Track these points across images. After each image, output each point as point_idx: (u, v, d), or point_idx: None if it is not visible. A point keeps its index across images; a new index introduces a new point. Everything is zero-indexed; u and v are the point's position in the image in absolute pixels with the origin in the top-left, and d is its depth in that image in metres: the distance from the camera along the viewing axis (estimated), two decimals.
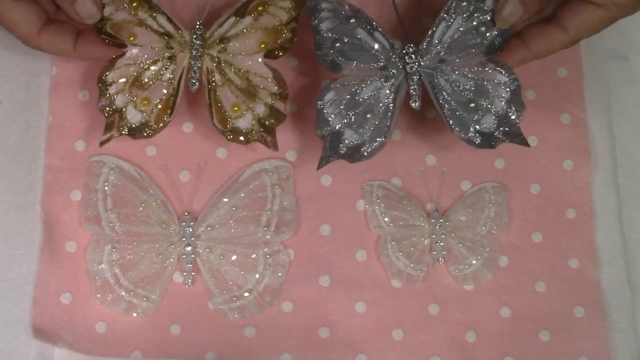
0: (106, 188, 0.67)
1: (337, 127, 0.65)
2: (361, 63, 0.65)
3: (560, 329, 0.68)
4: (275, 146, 0.66)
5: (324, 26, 0.66)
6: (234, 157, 0.69)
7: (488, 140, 0.65)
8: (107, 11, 0.65)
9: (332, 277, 0.68)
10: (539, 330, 0.68)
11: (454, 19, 0.65)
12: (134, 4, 0.65)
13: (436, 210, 0.69)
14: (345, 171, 0.69)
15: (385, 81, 0.65)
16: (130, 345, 0.66)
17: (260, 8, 0.65)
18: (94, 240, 0.67)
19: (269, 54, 0.66)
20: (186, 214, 0.67)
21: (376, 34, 0.65)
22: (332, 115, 0.65)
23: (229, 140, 0.66)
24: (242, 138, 0.65)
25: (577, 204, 0.70)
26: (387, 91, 0.65)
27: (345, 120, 0.65)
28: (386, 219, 0.68)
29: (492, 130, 0.65)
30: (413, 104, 0.65)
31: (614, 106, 0.72)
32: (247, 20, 0.65)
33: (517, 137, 0.65)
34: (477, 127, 0.65)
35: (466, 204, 0.69)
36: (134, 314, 0.66)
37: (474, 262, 0.68)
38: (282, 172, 0.68)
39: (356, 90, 0.65)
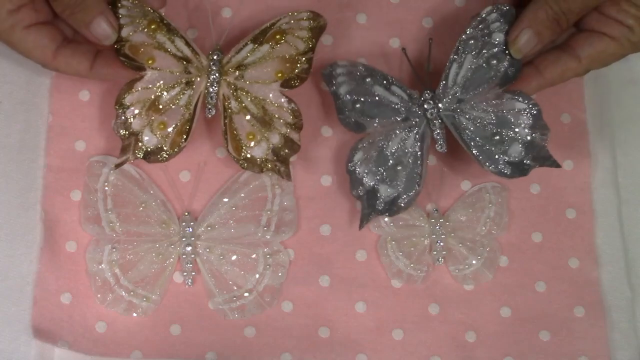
0: (106, 188, 0.67)
1: (371, 185, 0.66)
2: (383, 118, 0.66)
3: (560, 329, 0.68)
4: (288, 176, 0.66)
5: (342, 90, 0.67)
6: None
7: (519, 169, 0.65)
8: (125, 32, 0.64)
9: (332, 277, 0.68)
10: (539, 330, 0.68)
11: (465, 58, 0.66)
12: (153, 27, 0.65)
13: (436, 210, 0.69)
14: (345, 171, 0.69)
15: (409, 131, 0.66)
16: (130, 345, 0.66)
17: (278, 36, 0.65)
18: (94, 240, 0.67)
19: (286, 84, 0.66)
20: (186, 214, 0.67)
21: (393, 87, 0.67)
22: (365, 174, 0.66)
23: (243, 168, 0.66)
24: (256, 168, 0.66)
25: (577, 204, 0.70)
26: (413, 141, 0.66)
27: (378, 177, 0.66)
28: (386, 219, 0.68)
29: (520, 158, 0.65)
30: (439, 148, 0.66)
31: (614, 106, 0.72)
32: (265, 48, 0.65)
33: (547, 160, 0.66)
34: (506, 158, 0.65)
35: (466, 204, 0.69)
36: (134, 314, 0.66)
37: (474, 262, 0.68)
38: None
39: (383, 145, 0.66)
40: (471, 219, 0.69)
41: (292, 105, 0.66)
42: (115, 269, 0.66)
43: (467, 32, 0.66)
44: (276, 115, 0.66)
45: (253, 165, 0.66)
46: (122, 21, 0.64)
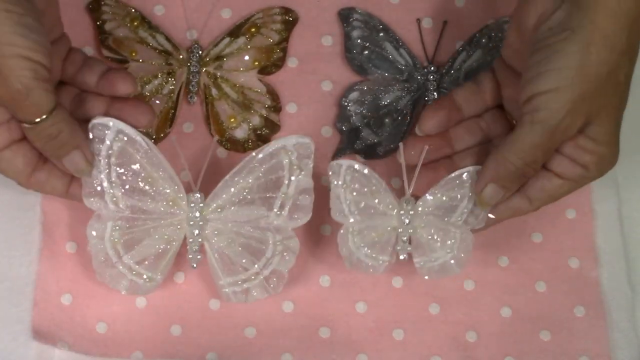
0: (111, 158, 0.62)
1: (357, 125, 0.70)
2: (386, 72, 0.70)
3: (561, 329, 0.68)
4: None
5: (355, 34, 0.71)
6: (233, 156, 0.70)
7: None
8: (108, 26, 0.69)
9: (333, 277, 0.68)
10: (540, 330, 0.68)
11: (475, 52, 0.70)
12: (135, 23, 0.69)
13: (408, 200, 0.64)
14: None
15: (405, 93, 0.70)
16: (131, 345, 0.66)
17: (253, 30, 0.70)
18: (95, 215, 0.63)
19: (263, 71, 0.70)
20: (197, 194, 0.63)
21: (402, 50, 0.70)
22: (355, 113, 0.70)
23: (226, 149, 0.69)
24: (239, 147, 0.69)
25: (577, 204, 0.70)
26: (406, 102, 0.70)
27: (366, 120, 0.70)
28: (352, 208, 0.64)
29: None
30: None
31: None
32: (241, 40, 0.70)
33: None
34: None
35: (443, 190, 0.64)
36: (136, 292, 0.64)
37: (442, 254, 0.64)
38: (302, 149, 0.63)
39: (379, 94, 0.70)
40: (446, 209, 0.64)
41: (270, 89, 0.70)
42: (117, 246, 0.63)
43: (483, 30, 0.70)
44: (255, 99, 0.69)
45: (236, 145, 0.69)
46: (104, 17, 0.69)
